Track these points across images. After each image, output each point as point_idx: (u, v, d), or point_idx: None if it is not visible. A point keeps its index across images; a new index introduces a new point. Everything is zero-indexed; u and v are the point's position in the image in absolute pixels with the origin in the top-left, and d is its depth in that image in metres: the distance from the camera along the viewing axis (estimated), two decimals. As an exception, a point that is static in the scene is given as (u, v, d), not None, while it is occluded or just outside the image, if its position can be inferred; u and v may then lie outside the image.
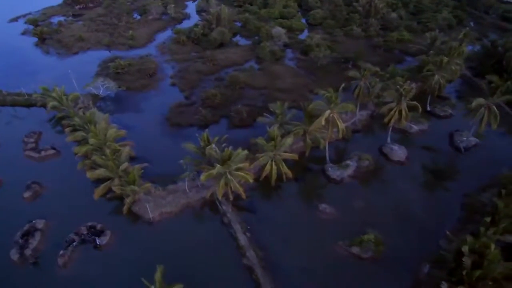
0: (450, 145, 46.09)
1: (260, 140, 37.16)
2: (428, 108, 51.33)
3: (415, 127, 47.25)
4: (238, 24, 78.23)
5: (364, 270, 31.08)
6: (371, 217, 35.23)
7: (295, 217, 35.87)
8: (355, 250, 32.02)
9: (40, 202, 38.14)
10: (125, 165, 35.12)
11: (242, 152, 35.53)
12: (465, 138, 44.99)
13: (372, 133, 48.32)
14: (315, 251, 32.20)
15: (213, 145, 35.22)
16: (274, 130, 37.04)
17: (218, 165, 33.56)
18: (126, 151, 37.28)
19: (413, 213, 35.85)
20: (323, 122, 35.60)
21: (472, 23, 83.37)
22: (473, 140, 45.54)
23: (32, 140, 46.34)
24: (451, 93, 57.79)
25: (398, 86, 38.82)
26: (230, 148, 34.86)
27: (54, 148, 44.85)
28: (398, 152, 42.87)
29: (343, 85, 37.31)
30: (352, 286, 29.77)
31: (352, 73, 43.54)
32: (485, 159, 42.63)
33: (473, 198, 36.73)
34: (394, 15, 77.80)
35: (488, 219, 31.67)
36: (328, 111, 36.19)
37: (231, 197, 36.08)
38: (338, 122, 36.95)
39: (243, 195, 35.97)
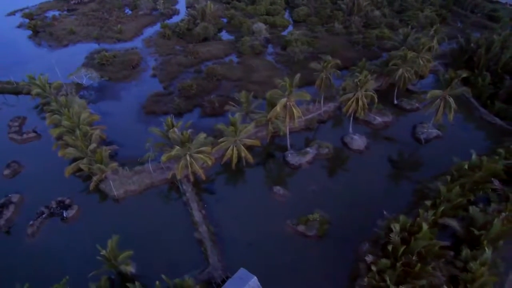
0: (412, 136, 47.76)
1: (221, 126, 39.53)
2: (395, 102, 52.98)
3: (379, 119, 48.99)
4: (224, 20, 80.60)
5: (307, 247, 33.21)
6: (322, 199, 37.31)
7: (250, 198, 38.16)
8: (301, 228, 34.14)
9: (18, 179, 41.25)
10: (93, 145, 37.78)
11: (202, 136, 38.05)
12: (425, 130, 46.60)
13: (337, 123, 50.25)
14: (264, 228, 34.41)
15: (175, 129, 37.63)
16: (235, 117, 39.25)
17: (177, 147, 36.02)
18: (96, 133, 39.96)
19: (364, 197, 37.68)
20: (278, 109, 37.72)
21: (459, 23, 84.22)
22: (435, 132, 47.12)
23: (16, 124, 49.57)
24: (425, 88, 59.14)
25: (354, 78, 40.69)
26: (190, 131, 37.28)
27: (35, 132, 47.98)
28: (358, 142, 44.74)
29: (298, 74, 39.34)
30: (293, 260, 31.88)
31: (313, 64, 45.52)
32: (443, 150, 44.18)
33: (423, 185, 38.45)
34: (377, 13, 79.19)
35: (428, 203, 33.57)
36: (284, 99, 38.31)
37: (191, 178, 38.51)
38: (295, 110, 38.99)
39: (203, 177, 38.37)
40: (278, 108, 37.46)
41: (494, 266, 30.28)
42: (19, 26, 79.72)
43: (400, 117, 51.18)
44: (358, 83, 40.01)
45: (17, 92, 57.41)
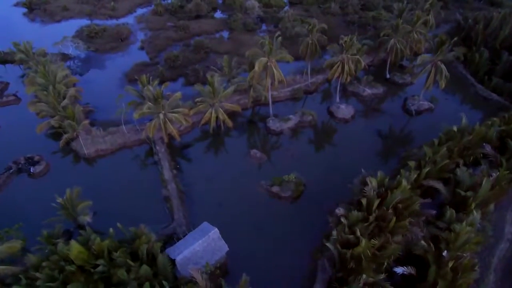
0: (402, 109, 45.57)
1: (199, 87, 38.03)
2: (387, 76, 50.81)
3: (368, 91, 46.92)
4: (219, 1, 79.51)
5: (281, 208, 31.35)
6: (300, 164, 35.40)
7: (226, 161, 36.53)
8: (275, 189, 32.27)
9: (-8, 138, 40.41)
10: (65, 102, 36.64)
11: (178, 95, 36.65)
12: (416, 102, 44.36)
13: (325, 95, 48.31)
14: (237, 189, 32.71)
15: (150, 87, 36.25)
16: (212, 78, 37.60)
17: (149, 103, 34.62)
18: (71, 92, 38.83)
19: (344, 164, 35.64)
20: (257, 69, 35.97)
21: (460, 9, 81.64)
22: (426, 103, 44.88)
23: (-3, 89, 49.03)
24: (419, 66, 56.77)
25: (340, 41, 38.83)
26: (162, 87, 35.87)
27: (15, 96, 47.33)
28: (344, 111, 42.76)
29: (278, 32, 37.62)
30: (265, 220, 30.04)
31: (298, 28, 43.74)
32: (434, 122, 41.69)
33: (409, 152, 36.23)
34: (375, -5, 77.08)
35: (412, 164, 31.31)
36: (265, 58, 36.57)
37: (165, 139, 37.02)
38: (275, 71, 37.24)
39: (177, 137, 36.87)
40: (257, 67, 35.71)
41: (482, 230, 28.06)
42: (16, 5, 79.95)
43: (392, 91, 48.96)
44: (344, 45, 38.11)
45: (4, 61, 57.02)
